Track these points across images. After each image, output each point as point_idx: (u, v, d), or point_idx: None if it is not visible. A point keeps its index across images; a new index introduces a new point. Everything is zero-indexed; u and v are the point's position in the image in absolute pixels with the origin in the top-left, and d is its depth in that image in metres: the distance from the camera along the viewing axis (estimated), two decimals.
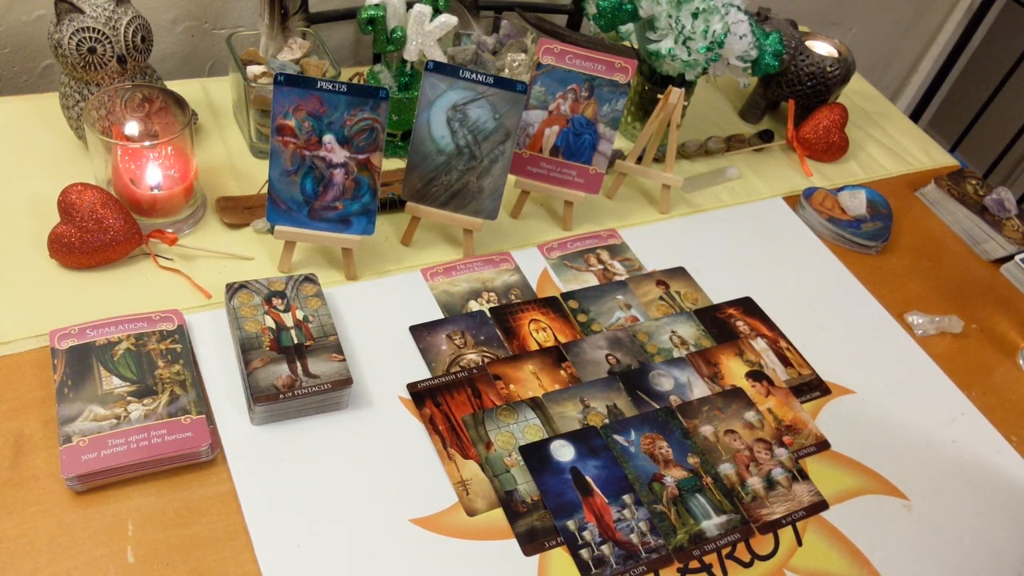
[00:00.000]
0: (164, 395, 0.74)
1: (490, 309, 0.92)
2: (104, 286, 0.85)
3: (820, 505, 0.81)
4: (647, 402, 0.86)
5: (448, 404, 0.82)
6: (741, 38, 1.05)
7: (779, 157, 1.26)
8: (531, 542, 0.73)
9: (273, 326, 0.81)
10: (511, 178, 1.00)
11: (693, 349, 0.93)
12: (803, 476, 0.83)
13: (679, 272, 1.02)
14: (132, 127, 0.90)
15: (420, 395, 0.82)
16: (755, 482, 0.81)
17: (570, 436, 0.81)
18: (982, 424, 0.93)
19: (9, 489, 0.69)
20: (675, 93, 1.01)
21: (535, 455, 0.79)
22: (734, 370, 0.91)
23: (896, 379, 0.96)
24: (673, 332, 0.94)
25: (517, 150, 0.99)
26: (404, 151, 1.07)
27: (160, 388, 0.75)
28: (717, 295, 1.00)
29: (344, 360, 0.79)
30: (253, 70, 0.99)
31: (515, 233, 1.02)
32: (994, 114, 1.97)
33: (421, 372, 0.84)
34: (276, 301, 0.83)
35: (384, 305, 0.90)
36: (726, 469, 0.82)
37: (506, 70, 1.10)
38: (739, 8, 1.06)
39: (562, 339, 0.91)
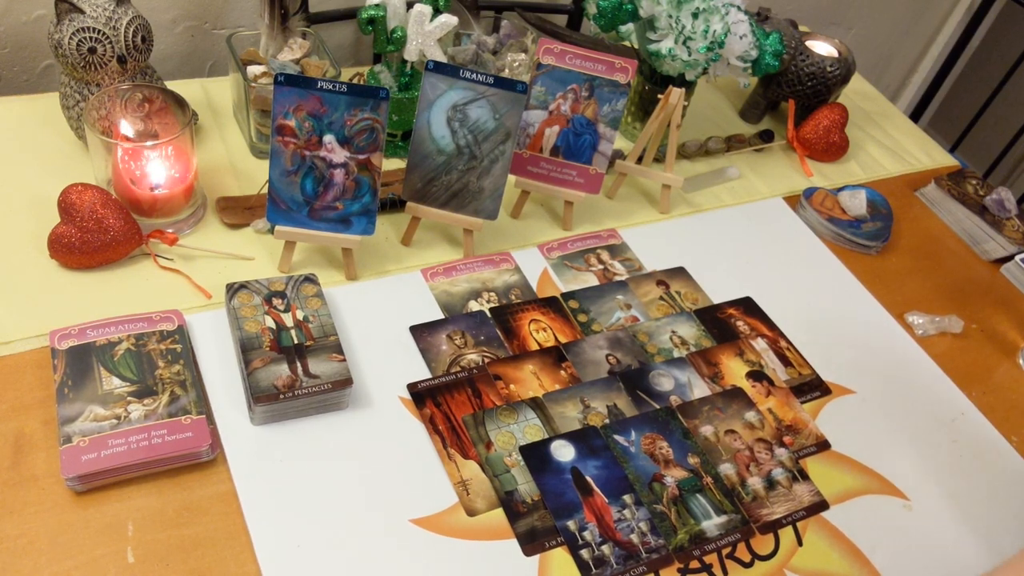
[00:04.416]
0: (164, 395, 0.74)
1: (490, 309, 0.92)
2: (104, 286, 0.85)
3: (820, 505, 0.81)
4: (647, 402, 0.86)
5: (448, 404, 0.82)
6: (741, 38, 1.05)
7: (779, 157, 1.26)
8: (531, 542, 0.73)
9: (273, 326, 0.81)
10: (511, 178, 1.00)
11: (693, 349, 0.93)
12: (803, 476, 0.83)
13: (679, 272, 1.02)
14: (132, 127, 0.90)
15: (420, 395, 0.82)
16: (755, 482, 0.81)
17: (570, 436, 0.81)
18: (982, 424, 0.93)
19: (9, 489, 0.69)
20: (675, 93, 1.01)
21: (535, 455, 0.79)
22: (734, 370, 0.91)
23: (896, 379, 0.96)
24: (673, 332, 0.94)
25: (517, 150, 0.99)
26: (404, 151, 1.07)
27: (160, 388, 0.75)
28: (717, 295, 1.00)
29: (344, 360, 0.79)
30: (253, 70, 0.99)
31: (515, 233, 1.02)
32: (994, 114, 1.97)
33: (421, 372, 0.84)
34: (276, 301, 0.83)
35: (384, 305, 0.90)
36: (726, 469, 0.82)
37: (506, 70, 1.10)
38: (739, 8, 1.06)
39: (562, 339, 0.91)
